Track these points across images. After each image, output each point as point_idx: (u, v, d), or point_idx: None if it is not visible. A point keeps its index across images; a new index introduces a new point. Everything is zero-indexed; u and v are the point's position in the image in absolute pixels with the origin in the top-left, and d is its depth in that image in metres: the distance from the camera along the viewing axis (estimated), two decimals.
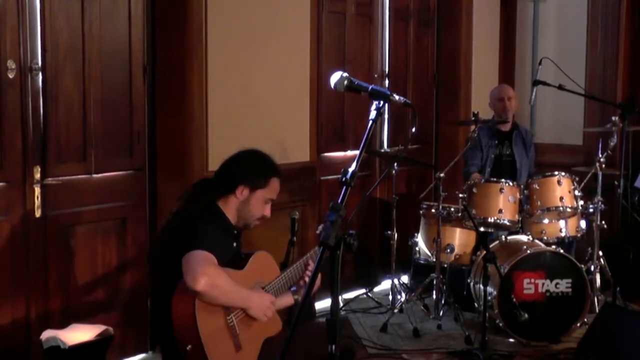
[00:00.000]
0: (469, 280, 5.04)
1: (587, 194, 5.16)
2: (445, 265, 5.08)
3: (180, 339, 2.79)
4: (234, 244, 3.15)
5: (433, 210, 5.10)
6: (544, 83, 5.19)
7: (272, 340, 3.05)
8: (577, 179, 5.08)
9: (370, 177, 5.98)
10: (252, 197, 3.12)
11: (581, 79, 6.07)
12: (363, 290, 5.61)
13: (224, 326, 2.86)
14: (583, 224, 5.22)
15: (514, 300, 4.53)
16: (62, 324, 3.71)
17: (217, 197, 3.11)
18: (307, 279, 3.16)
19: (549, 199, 4.96)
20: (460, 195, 4.97)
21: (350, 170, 2.17)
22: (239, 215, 3.14)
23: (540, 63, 5.28)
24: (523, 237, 4.97)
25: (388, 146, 6.13)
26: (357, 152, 2.24)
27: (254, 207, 3.14)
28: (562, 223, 5.13)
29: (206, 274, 2.74)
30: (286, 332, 2.91)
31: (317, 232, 3.35)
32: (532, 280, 4.66)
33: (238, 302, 2.90)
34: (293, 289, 3.20)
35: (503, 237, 4.98)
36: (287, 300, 3.19)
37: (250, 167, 3.15)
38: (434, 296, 5.07)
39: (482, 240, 4.68)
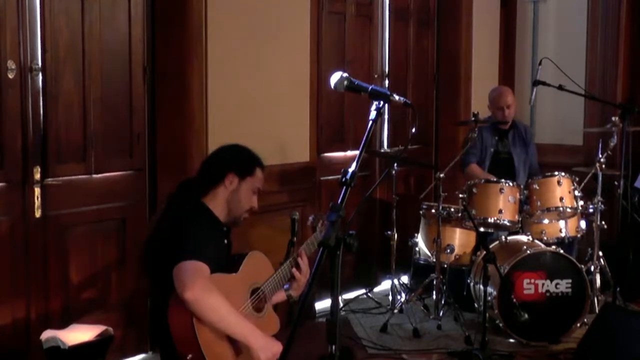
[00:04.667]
0: (469, 281, 5.04)
1: (587, 194, 5.17)
2: (445, 266, 5.08)
3: (180, 349, 2.78)
4: (225, 241, 3.11)
5: (433, 211, 5.10)
6: (544, 83, 5.19)
7: None
8: (577, 179, 5.08)
9: (370, 177, 5.98)
10: (242, 185, 3.09)
11: (581, 79, 6.07)
12: (363, 291, 5.61)
13: (222, 333, 2.84)
14: (583, 224, 5.22)
15: (514, 300, 4.53)
16: (62, 324, 3.71)
17: (203, 194, 3.07)
18: (297, 274, 3.13)
19: (549, 199, 4.96)
20: (460, 195, 4.97)
21: (350, 170, 2.17)
22: (228, 207, 3.08)
23: (540, 63, 5.27)
24: (523, 238, 4.97)
25: (388, 146, 6.13)
26: (357, 152, 2.24)
27: (243, 196, 3.09)
28: (562, 223, 5.13)
29: (196, 284, 2.68)
30: (286, 332, 2.91)
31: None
32: (532, 281, 4.66)
33: (236, 333, 2.80)
34: (286, 286, 3.18)
35: (503, 237, 4.98)
36: (280, 296, 3.18)
37: (236, 156, 3.15)
38: (434, 296, 5.07)
39: (482, 241, 4.68)
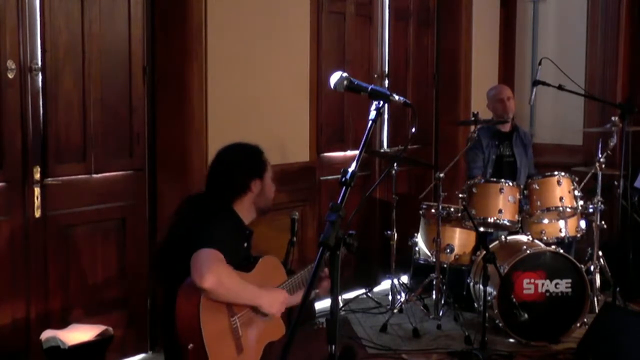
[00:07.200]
0: (468, 281, 5.04)
1: (587, 194, 5.16)
2: (445, 266, 5.08)
3: (182, 337, 2.80)
4: (245, 244, 3.15)
5: (433, 210, 5.10)
6: (544, 83, 5.19)
7: (274, 344, 3.05)
8: (576, 179, 5.08)
9: (370, 177, 5.98)
10: (264, 183, 3.19)
11: (581, 79, 6.07)
12: (363, 290, 5.61)
13: (227, 328, 2.86)
14: (583, 224, 5.22)
15: (514, 300, 4.53)
16: (62, 324, 3.71)
17: (232, 201, 3.13)
18: (326, 272, 3.15)
19: (549, 199, 4.96)
20: (460, 195, 4.97)
21: (350, 170, 2.18)
22: (257, 206, 3.18)
23: (540, 63, 5.28)
24: (523, 237, 4.97)
25: (388, 146, 6.13)
26: (356, 152, 2.24)
27: (268, 190, 3.22)
28: (561, 223, 5.13)
29: (213, 271, 2.74)
30: (287, 334, 2.92)
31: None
32: (532, 281, 4.66)
33: (247, 300, 2.91)
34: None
35: (503, 237, 4.98)
36: (299, 297, 3.19)
37: (248, 160, 3.19)
38: (434, 296, 5.07)
39: (482, 241, 4.68)
